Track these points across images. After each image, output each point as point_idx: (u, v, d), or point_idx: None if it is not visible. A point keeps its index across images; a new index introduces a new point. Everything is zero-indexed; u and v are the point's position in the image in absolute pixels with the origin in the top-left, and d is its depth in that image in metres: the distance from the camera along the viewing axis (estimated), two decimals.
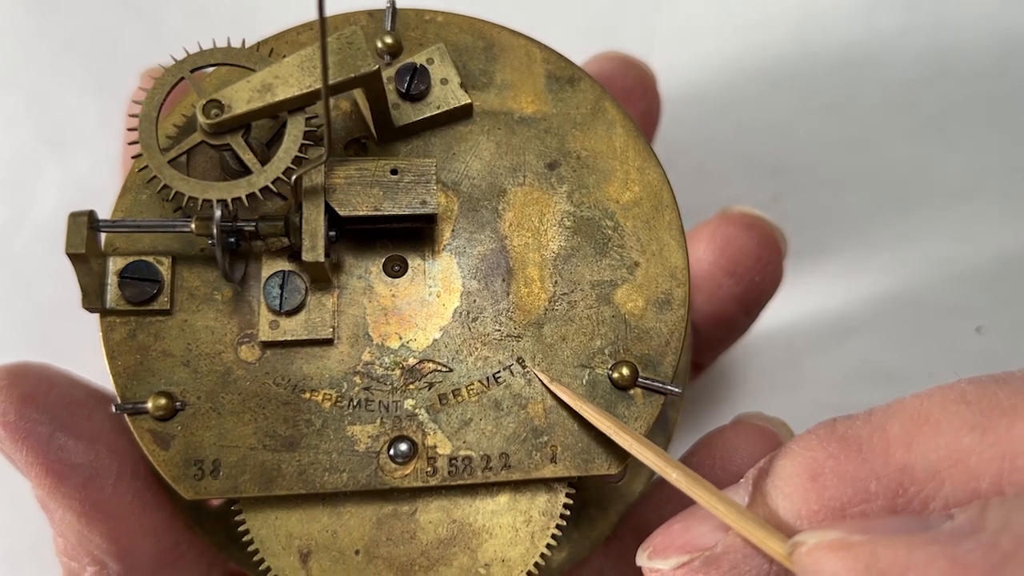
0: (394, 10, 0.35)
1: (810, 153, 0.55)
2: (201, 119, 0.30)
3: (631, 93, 0.44)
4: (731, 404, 0.52)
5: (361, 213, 0.31)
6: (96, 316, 0.33)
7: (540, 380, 0.32)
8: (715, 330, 0.44)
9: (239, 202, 0.30)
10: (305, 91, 0.30)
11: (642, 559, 0.30)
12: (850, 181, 0.54)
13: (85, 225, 0.30)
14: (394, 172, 0.32)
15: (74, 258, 0.30)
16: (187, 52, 0.32)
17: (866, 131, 0.55)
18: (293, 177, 0.30)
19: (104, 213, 0.32)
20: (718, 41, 0.56)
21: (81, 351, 0.49)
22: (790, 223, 0.43)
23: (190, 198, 0.30)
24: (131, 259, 0.32)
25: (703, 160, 0.54)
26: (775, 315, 0.46)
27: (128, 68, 0.45)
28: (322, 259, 0.30)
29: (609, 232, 0.34)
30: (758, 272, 0.42)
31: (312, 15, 0.37)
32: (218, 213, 0.30)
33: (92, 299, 0.32)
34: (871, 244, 0.54)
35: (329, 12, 0.36)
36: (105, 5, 0.54)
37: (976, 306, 0.52)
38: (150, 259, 0.32)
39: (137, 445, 0.35)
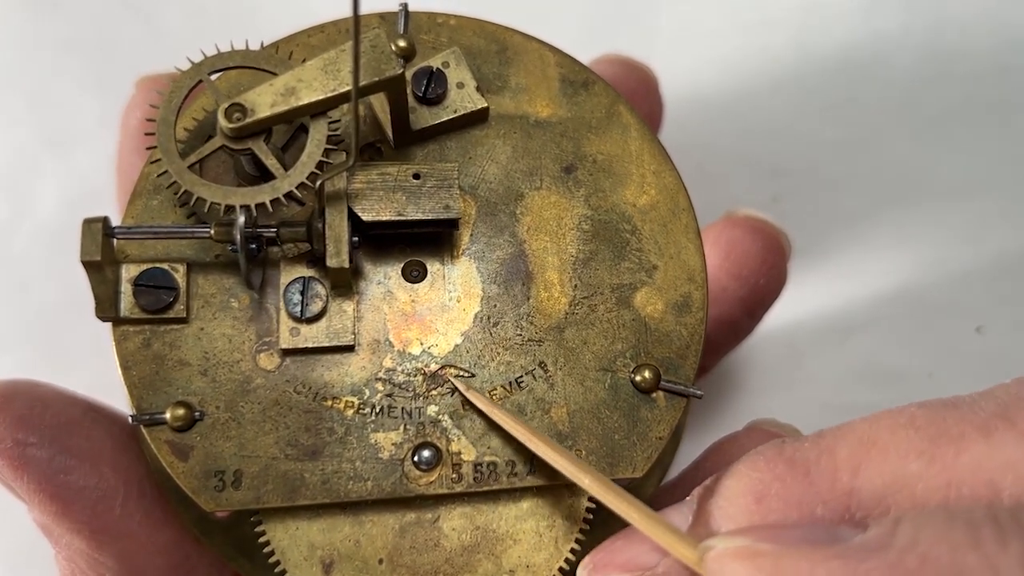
0: (407, 13, 0.35)
1: (810, 154, 0.55)
2: (223, 123, 0.29)
3: (634, 96, 0.44)
4: (733, 404, 0.52)
5: (385, 218, 0.31)
6: (98, 318, 0.32)
7: (457, 388, 0.32)
8: (720, 333, 0.44)
9: (262, 207, 0.30)
10: (330, 95, 0.29)
11: (582, 575, 0.29)
12: (850, 181, 0.55)
13: (100, 232, 0.30)
14: (416, 177, 0.31)
15: (89, 266, 0.30)
16: (204, 54, 0.31)
17: (866, 131, 0.55)
18: (319, 182, 0.30)
19: (105, 214, 0.31)
20: (718, 42, 0.56)
21: (81, 352, 0.49)
22: (790, 223, 0.43)
23: (212, 204, 0.30)
24: (145, 266, 0.32)
25: (703, 161, 0.54)
26: (776, 315, 0.46)
27: (128, 68, 0.44)
28: (347, 265, 0.30)
29: (627, 236, 0.34)
30: (763, 275, 0.42)
31: (314, 18, 0.36)
32: (242, 219, 0.29)
33: (106, 307, 0.31)
34: (871, 244, 0.54)
35: (338, 15, 0.36)
36: (105, 5, 0.54)
37: (976, 306, 0.53)
38: (165, 266, 0.32)
39: (140, 461, 0.34)
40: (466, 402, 0.32)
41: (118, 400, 0.36)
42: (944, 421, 0.25)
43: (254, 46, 0.32)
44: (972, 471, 0.24)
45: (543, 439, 0.30)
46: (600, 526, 0.38)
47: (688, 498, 0.29)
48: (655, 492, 0.40)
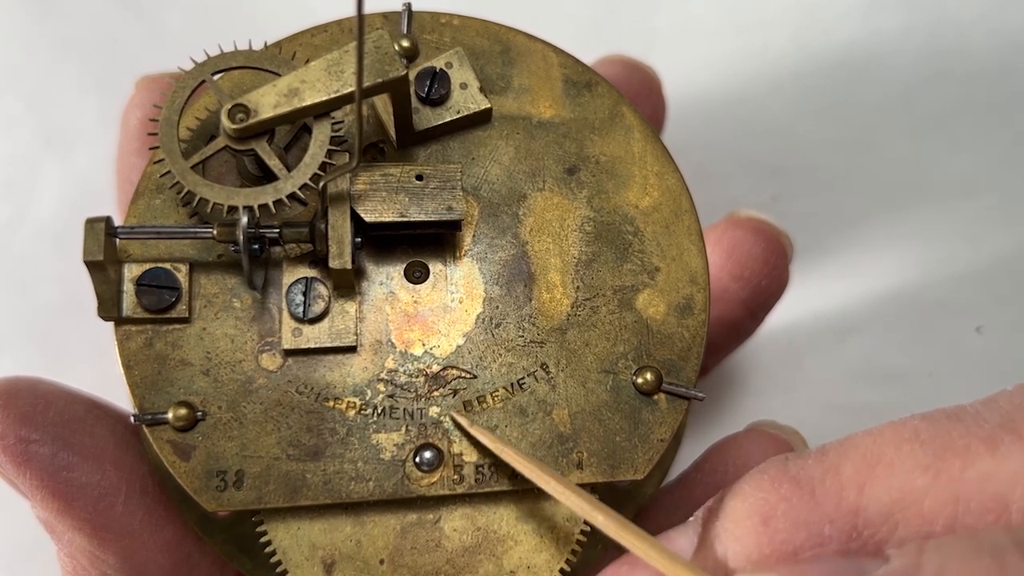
0: (410, 13, 0.35)
1: (810, 153, 0.55)
2: (226, 124, 0.29)
3: (637, 96, 0.44)
4: (733, 404, 0.52)
5: (387, 219, 0.31)
6: (98, 317, 0.32)
7: (457, 423, 0.32)
8: (721, 334, 0.44)
9: (265, 208, 0.30)
10: (333, 96, 0.29)
11: None
12: (850, 181, 0.55)
13: (103, 231, 0.30)
14: (419, 178, 0.31)
15: (91, 266, 0.30)
16: (207, 54, 0.31)
17: (866, 131, 0.55)
18: (321, 183, 0.30)
19: (105, 213, 0.31)
20: (718, 42, 0.56)
21: (81, 352, 0.49)
22: (790, 223, 0.43)
23: (215, 204, 0.30)
24: (148, 266, 0.32)
25: (703, 161, 0.54)
26: (776, 315, 0.46)
27: (128, 68, 0.44)
28: (350, 266, 0.30)
29: (629, 237, 0.34)
30: (764, 276, 0.42)
31: (314, 17, 0.36)
32: (245, 219, 0.29)
33: (108, 307, 0.31)
34: (871, 244, 0.54)
35: (339, 15, 0.36)
36: (105, 5, 0.54)
37: (976, 306, 0.53)
38: (168, 266, 0.32)
39: (143, 459, 0.34)
40: (467, 405, 0.32)
41: (118, 401, 0.36)
42: (949, 434, 0.25)
43: (255, 46, 0.32)
44: (979, 485, 0.24)
45: (554, 476, 0.29)
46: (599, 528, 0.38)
47: (692, 519, 0.29)
48: (655, 494, 0.40)
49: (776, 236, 0.42)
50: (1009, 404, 0.25)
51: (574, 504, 0.28)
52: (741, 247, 0.41)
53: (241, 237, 0.30)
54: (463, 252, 0.33)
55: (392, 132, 0.33)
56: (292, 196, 0.30)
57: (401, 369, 0.32)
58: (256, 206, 0.30)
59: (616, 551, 0.38)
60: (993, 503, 0.24)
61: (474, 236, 0.34)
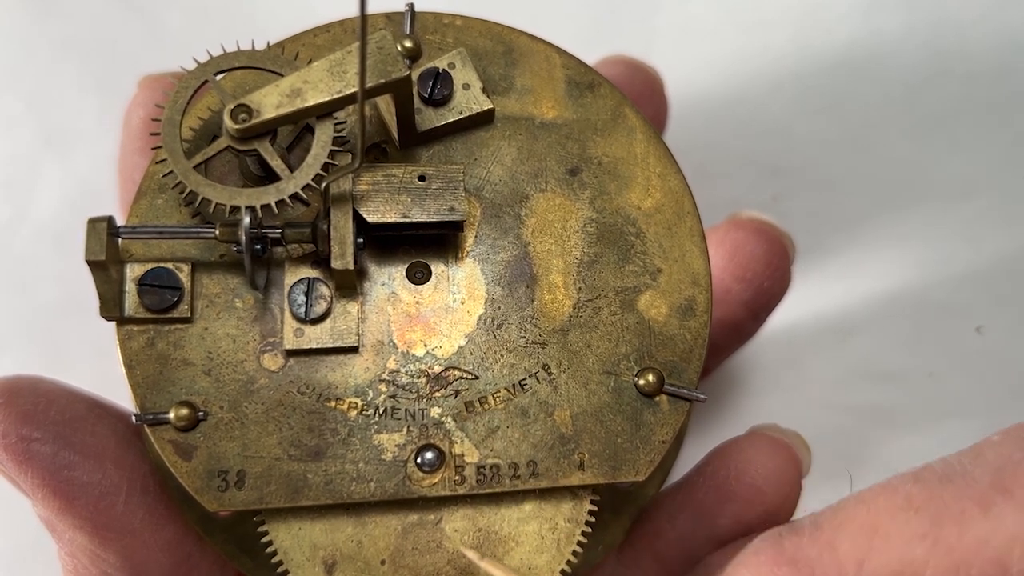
0: (413, 13, 0.35)
1: (810, 153, 0.55)
2: (229, 124, 0.29)
3: (639, 97, 0.44)
4: (733, 404, 0.52)
5: (390, 220, 0.31)
6: (100, 317, 0.32)
7: (467, 556, 0.32)
8: (723, 335, 0.44)
9: (267, 208, 0.30)
10: (336, 96, 0.29)
11: None
12: (850, 181, 0.55)
13: (105, 231, 0.29)
14: (422, 179, 0.31)
15: (93, 265, 0.30)
16: (209, 54, 0.31)
17: (866, 131, 0.55)
18: (324, 184, 0.30)
19: (106, 213, 0.31)
20: (718, 42, 0.56)
21: (81, 352, 0.49)
22: (790, 223, 0.43)
23: (217, 204, 0.30)
24: (150, 266, 0.32)
25: (704, 161, 0.54)
26: (777, 316, 0.46)
27: (128, 68, 0.44)
28: (352, 267, 0.30)
29: (631, 239, 0.34)
30: (767, 278, 0.42)
31: (314, 17, 0.36)
32: (247, 220, 0.29)
33: (110, 307, 0.31)
34: (871, 244, 0.54)
35: (340, 15, 0.36)
36: (105, 5, 0.54)
37: (976, 306, 0.53)
38: (170, 266, 0.32)
39: (144, 459, 0.34)
40: (469, 406, 0.32)
41: (119, 401, 0.36)
42: (942, 499, 0.25)
43: (255, 45, 0.32)
44: (977, 550, 0.24)
45: None
46: (601, 529, 0.38)
47: None
48: (656, 495, 0.40)
49: (778, 238, 0.42)
50: (997, 457, 0.25)
51: None
52: (743, 248, 0.41)
53: (243, 237, 0.30)
54: (465, 253, 0.33)
55: (395, 133, 0.33)
56: (294, 196, 0.30)
57: (403, 370, 0.32)
58: (258, 206, 0.30)
59: (617, 552, 0.39)
60: (992, 567, 0.24)
61: (476, 237, 0.34)
